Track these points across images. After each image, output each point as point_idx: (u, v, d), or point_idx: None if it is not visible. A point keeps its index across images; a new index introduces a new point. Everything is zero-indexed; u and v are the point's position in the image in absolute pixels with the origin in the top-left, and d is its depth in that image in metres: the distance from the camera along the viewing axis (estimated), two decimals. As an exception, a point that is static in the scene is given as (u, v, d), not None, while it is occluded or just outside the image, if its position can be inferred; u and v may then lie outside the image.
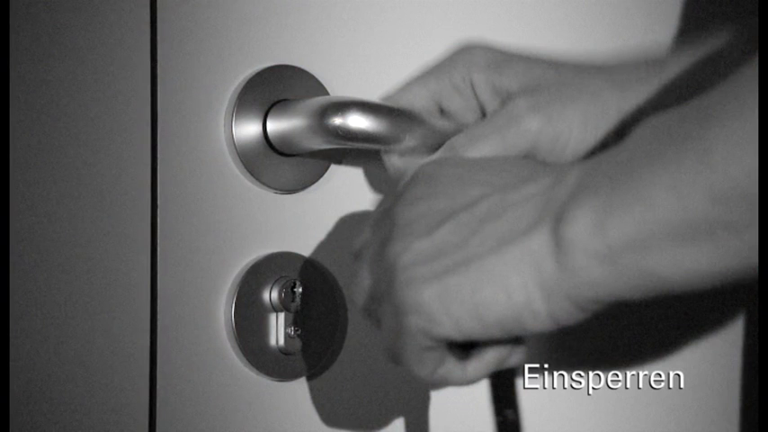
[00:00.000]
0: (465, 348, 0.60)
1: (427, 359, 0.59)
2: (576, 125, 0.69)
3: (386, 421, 0.76)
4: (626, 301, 0.53)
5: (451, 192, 0.59)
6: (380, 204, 0.65)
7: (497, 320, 0.55)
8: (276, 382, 0.73)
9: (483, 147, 0.69)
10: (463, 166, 0.61)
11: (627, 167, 0.51)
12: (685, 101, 0.51)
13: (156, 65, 0.70)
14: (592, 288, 0.53)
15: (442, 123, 0.71)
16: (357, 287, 0.62)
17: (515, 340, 0.60)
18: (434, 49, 0.77)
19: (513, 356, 0.60)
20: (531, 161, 0.61)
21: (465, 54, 0.71)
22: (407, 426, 0.77)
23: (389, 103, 0.71)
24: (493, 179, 0.58)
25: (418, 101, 0.72)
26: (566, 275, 0.53)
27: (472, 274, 0.55)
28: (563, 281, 0.53)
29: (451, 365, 0.60)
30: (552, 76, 0.69)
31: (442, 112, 0.73)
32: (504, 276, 0.55)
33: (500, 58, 0.71)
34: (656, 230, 0.50)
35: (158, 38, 0.70)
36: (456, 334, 0.57)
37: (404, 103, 0.71)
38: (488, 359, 0.60)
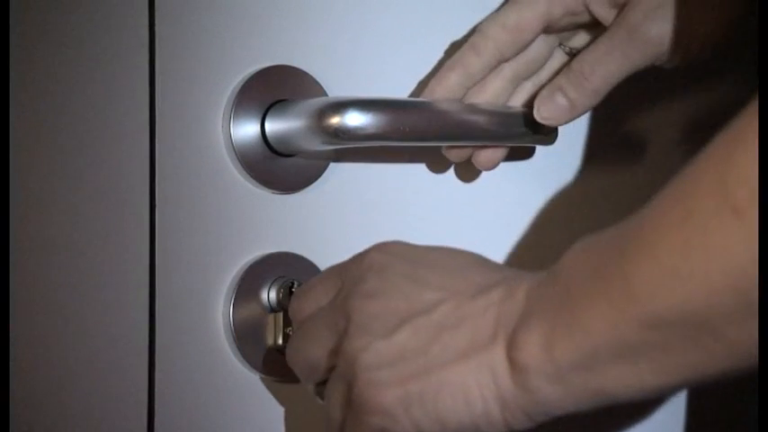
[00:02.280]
0: None
1: None
2: (696, 20, 0.70)
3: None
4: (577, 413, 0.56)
5: (406, 292, 0.61)
6: (327, 277, 0.66)
7: (457, 427, 0.58)
8: (275, 382, 0.73)
9: (609, 65, 0.71)
10: (412, 260, 0.63)
11: (565, 297, 0.54)
12: None
13: (154, 65, 0.70)
14: (544, 405, 0.56)
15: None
16: (298, 354, 0.65)
17: None
18: (434, 49, 0.78)
19: None
20: (480, 262, 0.63)
21: None
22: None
23: (397, 98, 0.71)
24: (445, 283, 0.61)
25: (525, 24, 0.72)
26: (520, 393, 0.56)
27: (434, 383, 0.58)
28: (518, 397, 0.56)
29: None
30: None
31: (546, 31, 0.73)
32: (466, 388, 0.57)
33: None
34: (596, 354, 0.53)
35: (156, 38, 0.70)
36: None
37: (511, 21, 0.72)
38: None
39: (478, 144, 0.76)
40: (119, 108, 0.69)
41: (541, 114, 0.73)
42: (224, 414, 0.72)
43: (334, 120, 0.69)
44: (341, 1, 0.75)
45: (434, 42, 0.78)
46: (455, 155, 0.76)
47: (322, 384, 0.65)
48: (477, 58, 0.73)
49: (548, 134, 0.76)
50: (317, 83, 0.74)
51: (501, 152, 0.76)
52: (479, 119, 0.74)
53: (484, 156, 0.76)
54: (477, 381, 0.57)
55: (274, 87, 0.73)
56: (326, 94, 0.74)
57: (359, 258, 0.64)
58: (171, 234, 0.70)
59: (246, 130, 0.72)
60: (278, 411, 0.74)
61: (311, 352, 0.64)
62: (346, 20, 0.76)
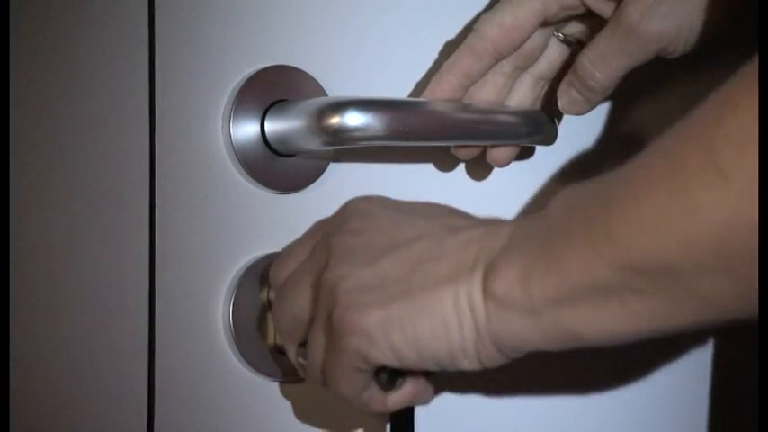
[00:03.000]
0: (388, 379, 0.63)
1: (356, 380, 0.62)
2: (696, 12, 0.70)
3: (385, 420, 0.76)
4: (545, 352, 0.57)
5: (388, 229, 0.62)
6: (306, 236, 0.67)
7: (433, 355, 0.59)
8: (274, 382, 0.73)
9: (611, 64, 0.71)
10: (394, 207, 0.64)
11: (547, 236, 0.55)
12: None
13: (154, 65, 0.70)
14: (515, 338, 0.57)
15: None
16: (283, 311, 0.65)
17: (431, 378, 0.64)
18: (434, 49, 0.78)
19: (427, 394, 0.65)
20: (460, 211, 0.64)
21: None
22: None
23: (396, 98, 0.71)
24: (427, 224, 0.62)
25: (521, 22, 0.72)
26: (494, 323, 0.57)
27: (415, 307, 0.59)
28: (491, 328, 0.57)
29: (375, 392, 0.63)
30: None
31: (544, 26, 0.73)
32: (445, 314, 0.58)
33: None
34: (571, 292, 0.54)
35: (156, 38, 0.70)
36: (393, 361, 0.60)
37: (507, 21, 0.72)
38: (406, 393, 0.64)
39: (478, 144, 0.76)
40: (119, 108, 0.69)
41: (563, 107, 0.74)
42: (224, 414, 0.72)
43: (334, 120, 0.69)
44: (341, 1, 0.75)
45: (434, 42, 0.78)
46: (463, 153, 0.76)
47: (303, 347, 0.65)
48: (475, 59, 0.73)
49: (547, 134, 0.76)
50: (317, 83, 0.74)
51: (514, 149, 0.76)
52: (479, 119, 0.74)
53: (497, 153, 0.76)
54: (456, 308, 0.58)
55: (274, 87, 0.73)
56: (326, 94, 0.74)
57: (341, 207, 0.65)
58: (171, 234, 0.70)
59: (246, 130, 0.72)
60: (278, 411, 0.73)
61: (294, 303, 0.64)
62: (346, 20, 0.76)
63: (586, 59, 0.72)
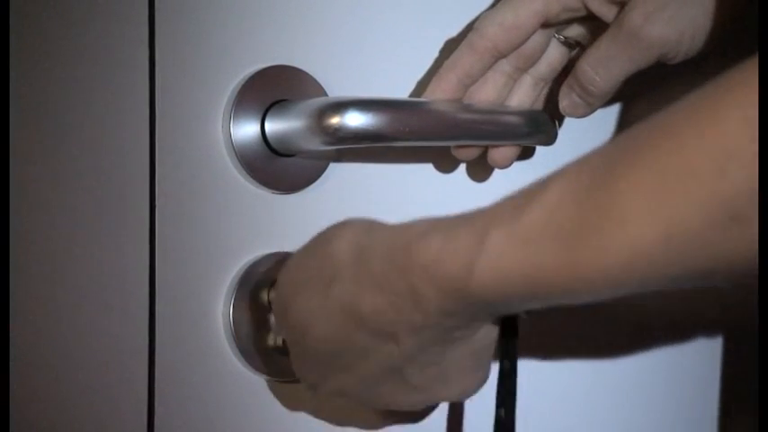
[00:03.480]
0: None
1: None
2: (699, 18, 0.70)
3: (388, 421, 0.76)
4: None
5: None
6: None
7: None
8: (275, 382, 0.73)
9: (613, 69, 0.71)
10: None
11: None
12: None
13: (154, 65, 0.70)
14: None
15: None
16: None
17: None
18: (434, 49, 0.78)
19: None
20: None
21: None
22: (411, 424, 0.77)
23: (397, 98, 0.71)
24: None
25: (521, 21, 0.72)
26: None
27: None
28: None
29: None
30: None
31: (544, 26, 0.73)
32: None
33: None
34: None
35: (156, 38, 0.70)
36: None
37: (508, 20, 0.72)
38: None
39: (479, 144, 0.76)
40: (119, 108, 0.69)
41: (564, 110, 0.74)
42: (224, 414, 0.72)
43: (334, 120, 0.69)
44: (341, 1, 0.75)
45: (435, 42, 0.78)
46: (464, 154, 0.76)
47: None
48: (475, 58, 0.73)
49: (548, 134, 0.76)
50: (317, 83, 0.74)
51: (515, 150, 0.76)
52: (479, 119, 0.74)
53: (498, 154, 0.76)
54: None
55: (274, 87, 0.73)
56: (326, 94, 0.74)
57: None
58: (171, 234, 0.70)
59: (246, 130, 0.72)
60: (278, 411, 0.73)
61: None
62: (346, 20, 0.75)
63: (587, 64, 0.72)
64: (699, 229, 0.48)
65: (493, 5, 0.74)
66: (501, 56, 0.73)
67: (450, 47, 0.76)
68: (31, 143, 0.66)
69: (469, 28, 0.74)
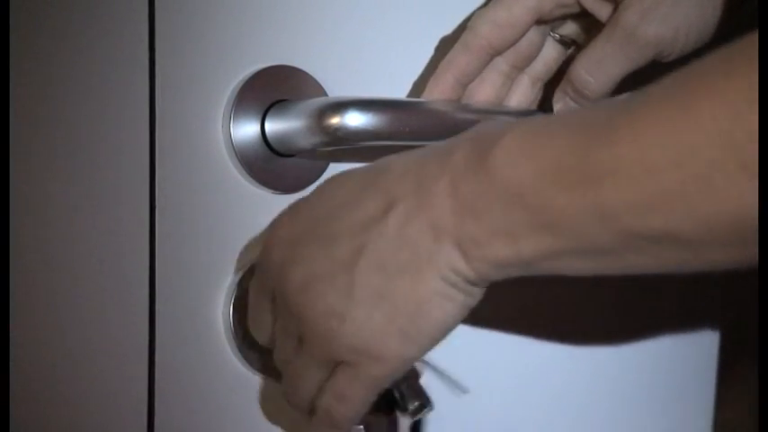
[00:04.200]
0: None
1: None
2: (693, 15, 0.70)
3: (386, 420, 0.76)
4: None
5: (328, 252, 0.61)
6: (255, 290, 0.67)
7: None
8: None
9: (608, 68, 0.71)
10: (316, 215, 0.62)
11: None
12: None
13: (154, 65, 0.70)
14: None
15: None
16: (299, 394, 0.66)
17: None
18: (433, 49, 0.78)
19: None
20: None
21: None
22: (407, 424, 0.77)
23: (396, 98, 0.71)
24: (354, 215, 0.61)
25: (515, 18, 0.72)
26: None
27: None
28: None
29: None
30: None
31: (537, 23, 0.73)
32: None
33: None
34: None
35: (156, 38, 0.70)
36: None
37: (501, 17, 0.72)
38: None
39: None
40: (119, 108, 0.69)
41: (559, 114, 0.73)
42: (224, 414, 0.72)
43: (334, 120, 0.69)
44: (341, 1, 0.75)
45: (435, 42, 0.78)
46: None
47: None
48: (471, 57, 0.72)
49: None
50: (317, 83, 0.74)
51: None
52: (479, 119, 0.74)
53: None
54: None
55: (274, 87, 0.73)
56: (326, 94, 0.74)
57: (265, 246, 0.64)
58: (171, 234, 0.70)
59: (246, 130, 0.72)
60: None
61: (304, 388, 0.64)
62: (346, 20, 0.76)
63: (581, 67, 0.71)
64: (708, 172, 0.49)
65: (486, 3, 0.74)
66: (496, 53, 0.73)
67: (444, 45, 0.76)
68: (31, 143, 0.66)
69: (464, 26, 0.74)
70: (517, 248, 0.55)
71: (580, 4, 0.72)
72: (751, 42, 0.49)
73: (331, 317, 0.60)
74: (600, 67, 0.71)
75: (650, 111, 0.51)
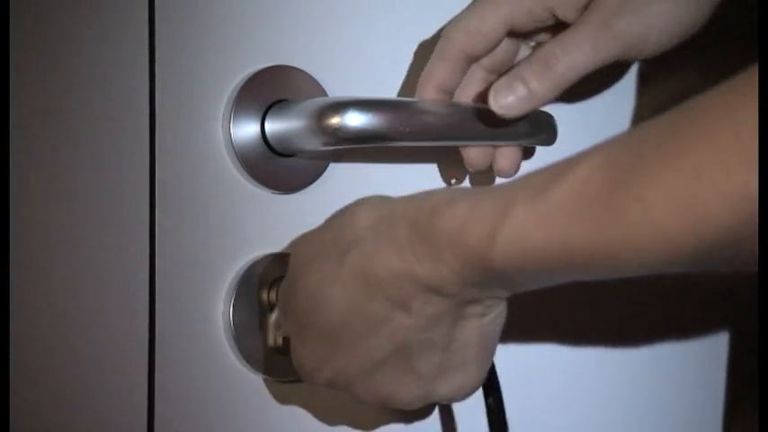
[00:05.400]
0: None
1: None
2: (666, 14, 0.70)
3: (385, 420, 0.76)
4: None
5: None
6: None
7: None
8: (275, 382, 0.73)
9: (575, 52, 0.69)
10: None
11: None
12: None
13: (154, 65, 0.70)
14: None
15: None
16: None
17: None
18: (433, 49, 0.78)
19: None
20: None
21: None
22: (407, 424, 0.77)
23: (396, 98, 0.71)
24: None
25: (487, 28, 0.71)
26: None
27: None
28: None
29: None
30: None
31: (511, 34, 0.73)
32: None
33: None
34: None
35: (156, 38, 0.70)
36: None
37: (473, 25, 0.71)
38: None
39: (479, 144, 0.75)
40: (119, 108, 0.69)
41: (499, 103, 0.70)
42: (224, 414, 0.72)
43: (334, 120, 0.69)
44: (341, 1, 0.75)
45: (434, 42, 0.78)
46: (475, 162, 0.75)
47: None
48: (448, 66, 0.72)
49: (548, 134, 0.76)
50: (317, 83, 0.74)
51: (519, 155, 0.76)
52: (479, 118, 0.74)
53: (505, 160, 0.75)
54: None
55: (274, 87, 0.73)
56: (326, 94, 0.74)
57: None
58: (171, 234, 0.70)
59: (246, 130, 0.72)
60: (278, 411, 0.73)
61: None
62: (346, 20, 0.76)
63: (549, 48, 0.70)
64: (728, 225, 0.48)
65: (463, 10, 0.74)
66: (472, 60, 0.73)
67: (422, 50, 0.76)
68: (31, 144, 0.66)
69: (439, 34, 0.74)
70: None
71: (554, 15, 0.71)
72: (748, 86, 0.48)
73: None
74: (567, 52, 0.69)
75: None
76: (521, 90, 0.70)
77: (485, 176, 0.80)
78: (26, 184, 0.66)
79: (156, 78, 0.70)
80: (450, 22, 0.73)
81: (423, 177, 0.79)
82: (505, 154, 0.75)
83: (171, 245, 0.70)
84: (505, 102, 0.69)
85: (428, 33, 0.78)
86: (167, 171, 0.70)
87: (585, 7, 0.70)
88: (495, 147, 0.75)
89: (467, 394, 0.65)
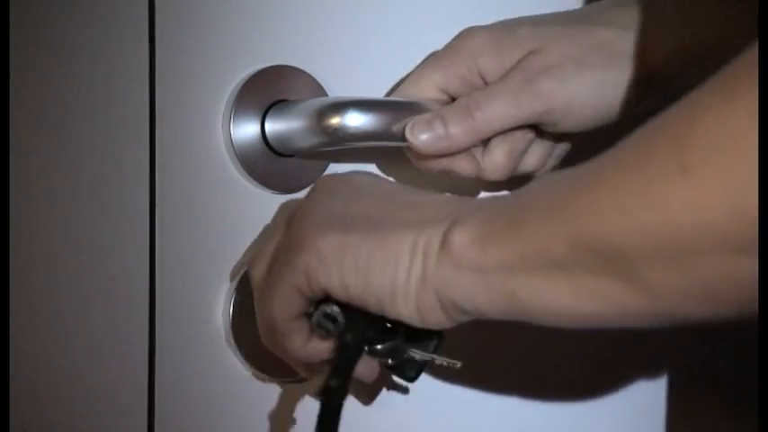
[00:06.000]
0: (322, 317, 0.63)
1: (291, 302, 0.63)
2: (592, 88, 0.70)
3: (385, 420, 0.76)
4: (487, 318, 0.58)
5: (362, 192, 0.64)
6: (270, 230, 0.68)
7: (376, 290, 0.60)
8: (275, 383, 0.73)
9: (497, 104, 0.70)
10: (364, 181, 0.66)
11: (513, 207, 0.57)
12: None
13: (154, 65, 0.70)
14: (458, 292, 0.58)
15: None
16: (258, 261, 0.66)
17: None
18: (433, 48, 0.78)
19: (367, 370, 0.65)
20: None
21: (466, 42, 0.72)
22: (406, 424, 0.77)
23: (396, 98, 0.71)
24: (402, 189, 0.65)
25: (426, 94, 0.72)
26: (441, 271, 0.58)
27: (375, 239, 0.60)
28: (437, 274, 0.58)
29: (301, 330, 0.64)
30: (559, 32, 0.71)
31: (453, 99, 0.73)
32: (399, 252, 0.59)
33: (502, 35, 0.72)
34: (522, 260, 0.55)
35: (156, 38, 0.70)
36: (337, 288, 0.61)
37: (408, 92, 0.72)
38: (328, 347, 0.64)
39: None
40: (119, 108, 0.69)
41: (415, 137, 0.70)
42: (224, 414, 0.72)
43: (334, 120, 0.69)
44: (341, 1, 0.75)
45: (435, 42, 0.78)
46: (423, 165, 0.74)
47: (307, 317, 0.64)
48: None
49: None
50: (317, 83, 0.74)
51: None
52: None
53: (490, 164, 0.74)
54: (412, 249, 0.59)
55: (274, 87, 0.73)
56: (327, 94, 0.74)
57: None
58: (171, 234, 0.70)
59: (246, 130, 0.72)
60: (277, 411, 0.73)
61: (265, 251, 0.66)
62: (346, 20, 0.76)
63: (472, 96, 0.71)
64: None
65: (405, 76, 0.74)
66: None
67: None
68: (31, 143, 0.66)
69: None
70: (482, 250, 0.57)
71: (483, 79, 0.72)
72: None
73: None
74: (488, 103, 0.70)
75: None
76: (439, 129, 0.70)
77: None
78: (26, 183, 0.66)
79: (157, 78, 0.70)
80: (394, 86, 0.74)
81: (423, 177, 0.79)
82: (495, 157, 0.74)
83: (171, 244, 0.70)
84: (421, 137, 0.70)
85: (428, 33, 0.78)
86: (167, 171, 0.70)
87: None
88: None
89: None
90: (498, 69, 0.71)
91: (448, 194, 0.64)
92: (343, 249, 0.60)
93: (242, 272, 0.72)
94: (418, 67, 0.73)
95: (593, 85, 0.70)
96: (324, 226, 0.61)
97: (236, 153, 0.72)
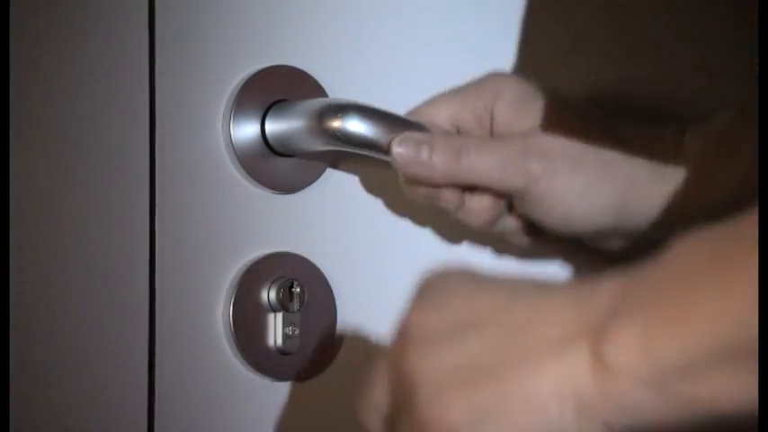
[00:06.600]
0: None
1: None
2: (575, 191, 0.70)
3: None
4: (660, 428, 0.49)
5: (468, 301, 0.54)
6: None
7: None
8: (274, 382, 0.73)
9: (485, 160, 0.70)
10: (469, 277, 0.56)
11: (671, 289, 0.47)
12: None
13: (154, 65, 0.70)
14: (633, 415, 0.48)
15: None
16: (368, 407, 0.57)
17: None
18: (434, 49, 0.78)
19: None
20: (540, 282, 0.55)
21: (495, 83, 0.72)
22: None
23: (400, 114, 0.71)
24: (511, 291, 0.53)
25: (436, 119, 0.72)
26: (605, 400, 0.48)
27: (508, 394, 0.50)
28: (602, 406, 0.48)
29: None
30: (577, 125, 0.70)
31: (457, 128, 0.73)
32: (543, 402, 0.49)
33: (527, 94, 0.72)
34: (703, 355, 0.46)
35: (156, 38, 0.70)
36: None
37: (422, 118, 0.72)
38: None
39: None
40: (119, 108, 0.69)
41: (397, 150, 0.69)
42: (224, 414, 0.72)
43: (335, 122, 0.69)
44: (341, 1, 0.75)
45: (435, 43, 0.78)
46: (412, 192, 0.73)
47: None
48: None
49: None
50: (317, 83, 0.74)
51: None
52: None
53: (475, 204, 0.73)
54: (555, 388, 0.49)
55: (274, 87, 0.73)
56: (327, 95, 0.74)
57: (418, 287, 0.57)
58: (171, 234, 0.70)
59: (246, 130, 0.72)
60: (277, 411, 0.74)
61: (373, 391, 0.57)
62: (347, 20, 0.76)
63: (469, 140, 0.70)
64: None
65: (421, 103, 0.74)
66: None
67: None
68: (31, 143, 0.66)
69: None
70: (652, 358, 0.47)
71: (491, 122, 0.72)
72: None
73: None
74: (479, 155, 0.69)
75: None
76: (423, 154, 0.69)
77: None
78: (26, 184, 0.66)
79: (157, 78, 0.70)
80: (418, 105, 0.73)
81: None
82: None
83: (171, 244, 0.70)
84: (404, 153, 0.69)
85: (428, 34, 0.78)
86: (167, 171, 0.70)
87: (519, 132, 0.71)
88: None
89: None
90: (509, 123, 0.71)
91: (551, 286, 0.52)
92: (475, 417, 0.50)
93: (242, 272, 0.72)
94: (441, 92, 0.73)
95: (576, 191, 0.70)
96: (443, 396, 0.51)
97: (236, 153, 0.72)
